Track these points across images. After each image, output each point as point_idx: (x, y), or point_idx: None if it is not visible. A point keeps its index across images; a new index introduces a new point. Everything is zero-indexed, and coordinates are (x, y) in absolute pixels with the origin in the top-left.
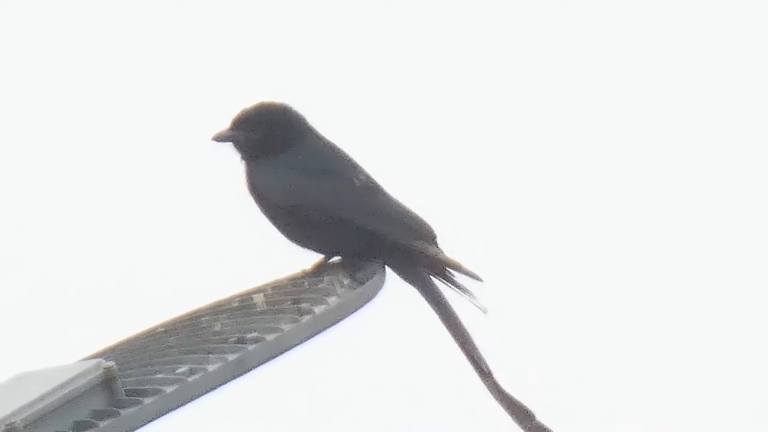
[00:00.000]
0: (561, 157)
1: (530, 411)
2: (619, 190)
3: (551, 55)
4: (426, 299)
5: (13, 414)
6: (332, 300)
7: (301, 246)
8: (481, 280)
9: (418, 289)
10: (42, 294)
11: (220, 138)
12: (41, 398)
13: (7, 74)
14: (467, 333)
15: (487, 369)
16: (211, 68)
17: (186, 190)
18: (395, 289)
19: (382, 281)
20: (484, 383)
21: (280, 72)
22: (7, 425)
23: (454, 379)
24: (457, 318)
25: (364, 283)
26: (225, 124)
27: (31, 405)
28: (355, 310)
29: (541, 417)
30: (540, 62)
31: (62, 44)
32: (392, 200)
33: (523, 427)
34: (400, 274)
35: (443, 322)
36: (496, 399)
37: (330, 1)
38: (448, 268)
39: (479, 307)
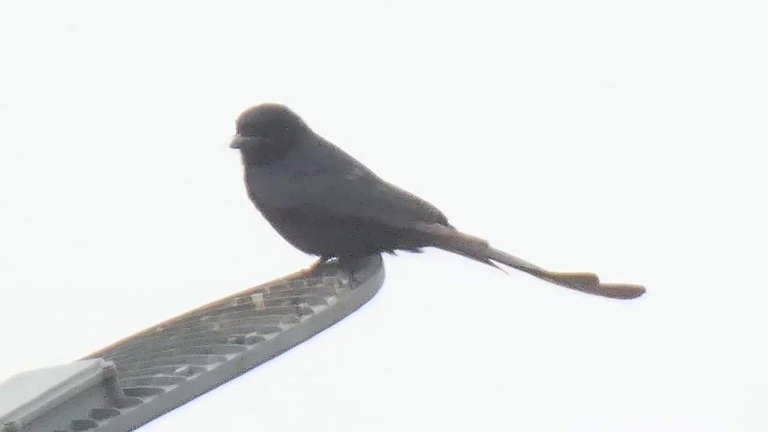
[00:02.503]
0: (561, 145)
1: (592, 275)
2: (620, 184)
3: (550, 47)
4: (457, 253)
5: (13, 413)
6: (331, 300)
7: (306, 251)
8: (486, 244)
9: (439, 248)
10: (42, 294)
11: (235, 145)
12: (41, 398)
13: (8, 74)
14: (502, 252)
15: (537, 268)
16: (210, 68)
17: (185, 190)
18: (394, 289)
19: (381, 281)
20: (543, 279)
21: (276, 70)
22: (7, 425)
23: (453, 379)
24: (492, 249)
25: (362, 283)
26: (234, 129)
27: (30, 404)
28: (354, 310)
29: (603, 277)
30: (540, 55)
31: (62, 47)
32: (391, 188)
33: (595, 292)
34: (414, 252)
35: (479, 260)
36: (558, 285)
37: (330, 1)
38: (452, 242)
39: (502, 269)
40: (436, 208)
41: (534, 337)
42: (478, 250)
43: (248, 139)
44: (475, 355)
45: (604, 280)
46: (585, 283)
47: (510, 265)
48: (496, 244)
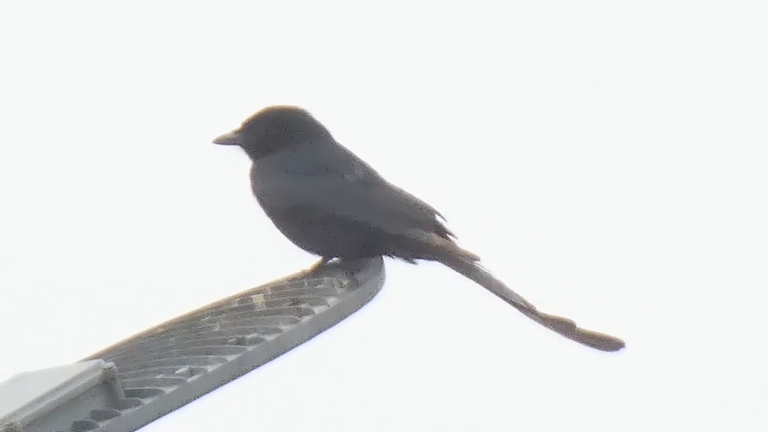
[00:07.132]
0: (560, 146)
1: (569, 321)
2: (622, 188)
3: (549, 49)
4: (449, 266)
5: (13, 414)
6: (331, 300)
7: (306, 249)
8: (478, 259)
9: (431, 259)
10: (42, 294)
11: (220, 141)
12: (41, 398)
13: (10, 75)
14: (497, 280)
15: (527, 304)
16: (221, 68)
17: (186, 190)
18: (395, 291)
19: (381, 282)
20: (529, 317)
21: (296, 73)
22: (7, 425)
23: (453, 380)
24: (483, 271)
25: (363, 284)
26: (231, 127)
27: (30, 405)
28: (355, 311)
29: (582, 324)
30: (539, 57)
31: (68, 49)
32: (391, 191)
33: (573, 338)
34: (408, 261)
35: (473, 280)
36: (543, 325)
37: (333, 2)
38: (444, 253)
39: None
40: (434, 215)
41: (534, 337)
42: (467, 268)
43: (234, 136)
44: (475, 357)
45: (585, 325)
46: (563, 328)
47: (494, 292)
48: (488, 262)
